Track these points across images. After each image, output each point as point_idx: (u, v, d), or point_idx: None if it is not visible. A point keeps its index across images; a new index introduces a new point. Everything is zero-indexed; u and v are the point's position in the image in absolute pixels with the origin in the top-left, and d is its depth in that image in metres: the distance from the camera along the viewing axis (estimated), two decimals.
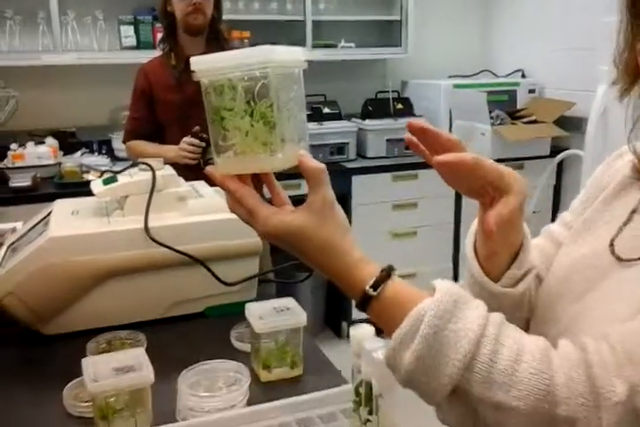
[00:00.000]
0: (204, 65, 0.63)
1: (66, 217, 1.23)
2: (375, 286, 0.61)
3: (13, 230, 1.48)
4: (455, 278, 3.21)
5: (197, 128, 2.16)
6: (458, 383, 0.56)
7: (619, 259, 0.69)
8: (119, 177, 1.27)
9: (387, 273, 0.61)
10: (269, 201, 0.68)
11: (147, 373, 0.81)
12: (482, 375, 0.55)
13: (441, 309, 0.57)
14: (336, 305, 3.23)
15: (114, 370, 0.81)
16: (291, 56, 0.65)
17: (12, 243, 1.29)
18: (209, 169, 0.66)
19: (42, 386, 1.01)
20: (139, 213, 1.19)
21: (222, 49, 2.49)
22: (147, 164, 1.26)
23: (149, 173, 1.24)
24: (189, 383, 0.87)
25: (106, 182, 1.25)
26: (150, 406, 0.86)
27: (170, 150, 2.23)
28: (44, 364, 1.10)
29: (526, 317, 0.78)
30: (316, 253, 0.63)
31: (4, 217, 2.32)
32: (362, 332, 0.76)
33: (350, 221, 3.30)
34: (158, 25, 3.03)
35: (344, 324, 3.22)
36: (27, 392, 1.01)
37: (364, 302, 0.61)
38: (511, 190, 0.66)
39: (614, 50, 0.71)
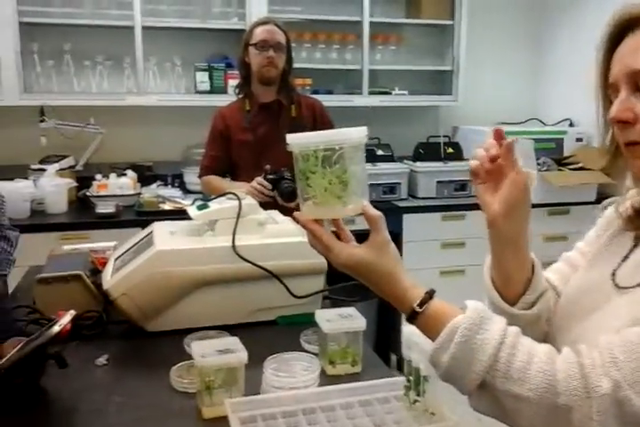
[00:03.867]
0: (297, 140, 0.83)
1: (166, 236, 1.47)
2: (421, 305, 0.81)
3: (115, 248, 1.73)
4: None
5: (268, 167, 2.34)
6: (484, 378, 0.75)
7: (617, 286, 0.86)
8: (210, 204, 1.51)
9: (429, 295, 0.82)
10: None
11: (242, 354, 1.03)
12: (502, 372, 0.74)
13: (470, 323, 0.77)
14: (385, 339, 3.27)
15: (216, 351, 1.02)
16: (358, 134, 0.84)
17: (117, 257, 1.54)
18: (295, 214, 0.87)
19: (149, 369, 1.24)
20: (227, 234, 1.42)
21: (290, 98, 2.74)
22: (234, 193, 1.50)
23: (236, 202, 1.48)
24: (272, 368, 1.08)
25: (200, 208, 1.50)
26: (243, 383, 1.06)
27: (241, 186, 2.25)
28: (149, 354, 1.33)
29: (545, 330, 0.95)
30: (377, 280, 0.84)
31: (89, 240, 2.58)
32: (411, 329, 0.95)
33: (401, 257, 3.43)
34: (230, 72, 3.33)
35: (393, 357, 3.26)
36: (137, 373, 1.24)
37: (413, 317, 0.82)
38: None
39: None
